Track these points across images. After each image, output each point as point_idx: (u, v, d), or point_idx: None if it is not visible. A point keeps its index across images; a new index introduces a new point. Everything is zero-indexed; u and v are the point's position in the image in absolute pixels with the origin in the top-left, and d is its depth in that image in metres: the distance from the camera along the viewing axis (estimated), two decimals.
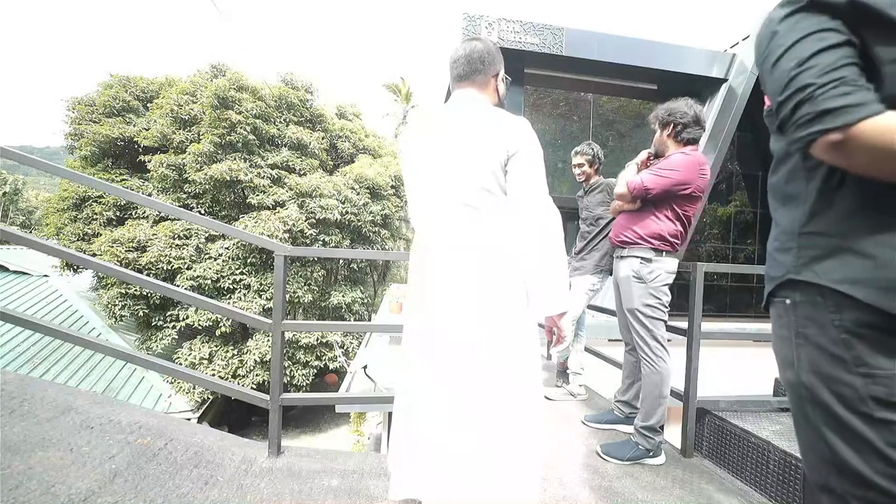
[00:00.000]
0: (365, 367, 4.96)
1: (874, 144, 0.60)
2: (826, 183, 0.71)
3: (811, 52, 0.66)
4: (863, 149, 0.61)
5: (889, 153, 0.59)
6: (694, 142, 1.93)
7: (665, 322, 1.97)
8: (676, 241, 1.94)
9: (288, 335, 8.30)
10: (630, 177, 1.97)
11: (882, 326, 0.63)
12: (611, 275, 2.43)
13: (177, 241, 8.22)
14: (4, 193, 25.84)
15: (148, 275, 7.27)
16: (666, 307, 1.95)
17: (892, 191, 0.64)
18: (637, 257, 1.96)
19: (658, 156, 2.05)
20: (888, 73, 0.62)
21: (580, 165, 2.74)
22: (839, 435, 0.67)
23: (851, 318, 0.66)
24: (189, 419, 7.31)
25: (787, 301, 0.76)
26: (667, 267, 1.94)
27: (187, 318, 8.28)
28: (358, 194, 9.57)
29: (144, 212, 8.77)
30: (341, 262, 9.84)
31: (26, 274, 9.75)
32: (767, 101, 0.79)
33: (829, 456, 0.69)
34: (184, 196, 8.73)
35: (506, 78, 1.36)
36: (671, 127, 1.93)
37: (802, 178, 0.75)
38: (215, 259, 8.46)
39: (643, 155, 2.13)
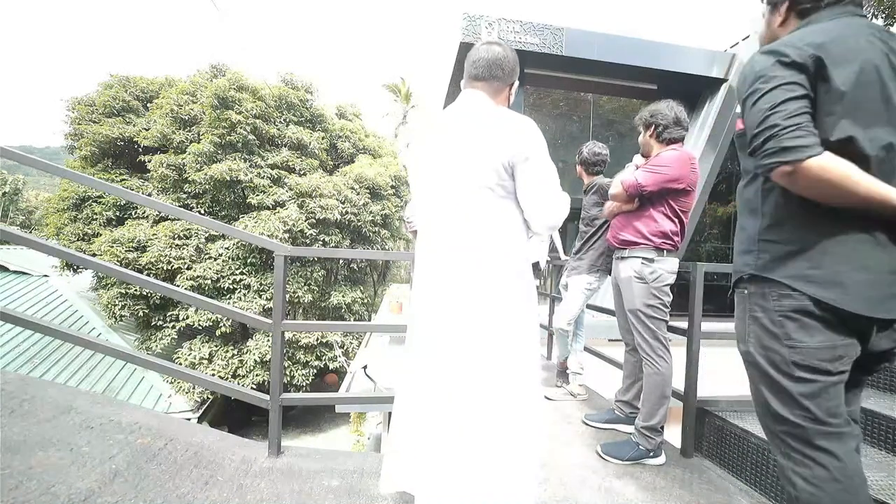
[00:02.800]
0: (365, 367, 4.95)
1: (813, 176, 0.85)
2: (780, 202, 0.96)
3: (781, 99, 0.88)
4: (805, 179, 0.86)
5: (823, 183, 0.85)
6: (676, 141, 1.98)
7: (667, 322, 1.97)
8: (677, 238, 1.96)
9: (288, 335, 8.30)
10: (624, 176, 1.98)
11: (807, 312, 0.91)
12: (609, 274, 2.43)
13: (177, 241, 8.21)
14: (4, 193, 25.82)
15: (148, 275, 7.27)
16: (667, 307, 1.95)
17: (831, 212, 0.89)
18: (639, 257, 1.95)
19: (644, 156, 2.09)
20: (824, 122, 0.87)
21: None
22: (769, 389, 0.98)
23: (788, 306, 0.94)
24: (189, 419, 7.32)
25: (745, 291, 1.03)
26: (668, 267, 1.94)
27: (187, 318, 8.28)
28: (358, 194, 9.57)
29: (144, 212, 8.77)
30: (341, 262, 9.85)
31: (26, 274, 9.75)
32: (740, 125, 1.00)
33: (764, 404, 0.99)
34: (184, 196, 8.73)
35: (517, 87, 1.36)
36: (653, 128, 1.99)
37: (761, 196, 1.00)
38: (215, 259, 8.46)
39: (639, 160, 2.13)
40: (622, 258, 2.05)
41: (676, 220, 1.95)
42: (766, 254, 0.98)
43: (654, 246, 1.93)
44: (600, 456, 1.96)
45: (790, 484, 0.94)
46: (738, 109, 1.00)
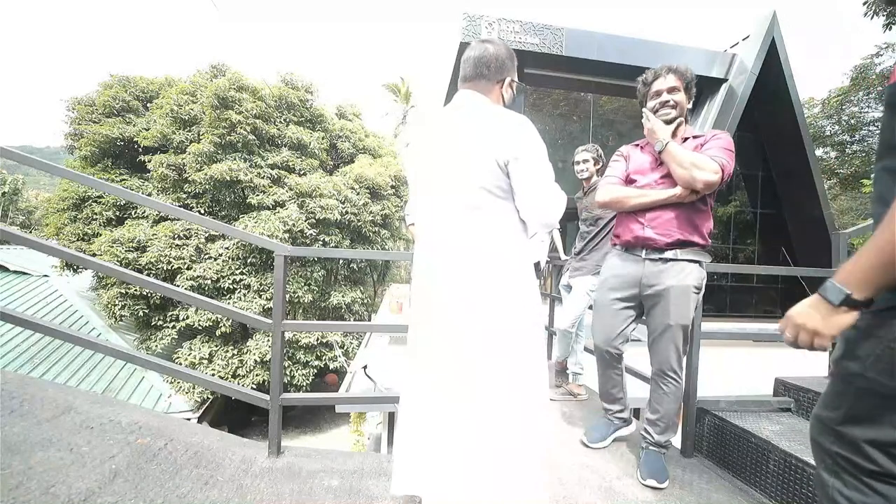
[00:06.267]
0: (365, 367, 4.96)
1: None
2: None
3: None
4: None
5: None
6: None
7: None
8: None
9: (288, 335, 8.30)
10: (709, 160, 1.55)
11: None
12: None
13: (177, 241, 8.21)
14: (4, 193, 25.81)
15: (148, 275, 7.27)
16: None
17: None
18: (696, 262, 1.67)
19: (667, 122, 1.69)
20: None
21: (585, 161, 2.74)
22: (860, 411, 0.76)
23: None
24: (189, 419, 7.31)
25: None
26: None
27: (187, 318, 8.27)
28: (358, 194, 9.57)
29: (144, 212, 8.76)
30: (341, 262, 9.84)
31: (26, 274, 9.75)
32: None
33: (833, 418, 0.80)
34: (184, 196, 8.72)
35: (514, 83, 1.32)
36: (691, 95, 1.69)
37: None
38: (215, 259, 8.46)
39: (661, 125, 1.67)
40: (664, 260, 1.67)
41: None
42: None
43: (707, 246, 1.67)
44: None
45: (830, 502, 0.79)
46: None
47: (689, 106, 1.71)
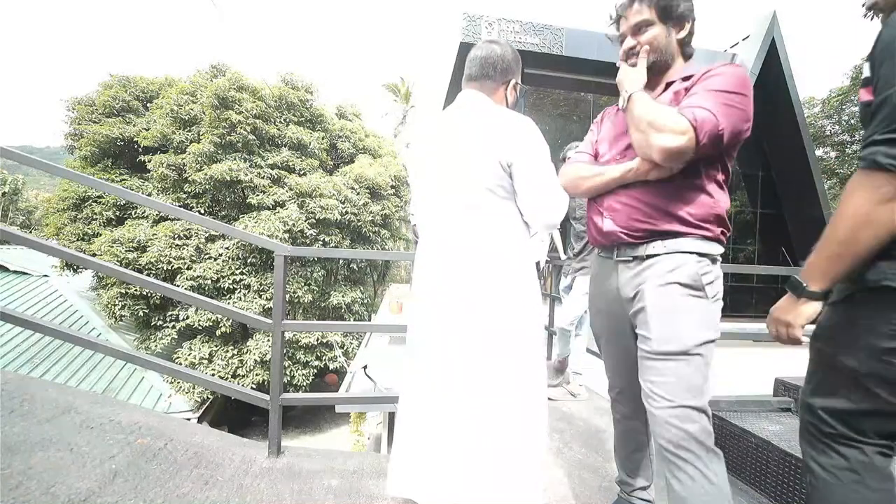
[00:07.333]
0: (365, 367, 4.96)
1: None
2: None
3: None
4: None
5: None
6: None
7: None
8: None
9: (288, 335, 8.30)
10: (674, 115, 1.01)
11: None
12: None
13: (177, 241, 8.21)
14: (4, 193, 25.82)
15: (148, 275, 7.27)
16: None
17: None
18: (690, 253, 1.09)
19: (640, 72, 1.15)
20: None
21: None
22: (832, 381, 0.84)
23: None
24: (189, 419, 7.31)
25: (868, 301, 0.79)
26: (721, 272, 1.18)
27: (187, 318, 8.28)
28: (358, 194, 9.57)
29: (144, 212, 8.77)
30: (341, 262, 9.84)
31: (26, 274, 9.75)
32: (865, 95, 0.79)
33: (816, 393, 0.88)
34: (184, 196, 8.72)
35: (517, 85, 1.33)
36: (688, 25, 1.14)
37: None
38: (215, 259, 8.46)
39: (632, 69, 1.15)
40: (638, 259, 1.14)
41: (727, 191, 1.15)
42: None
43: (713, 236, 1.11)
44: None
45: (809, 472, 0.87)
46: (866, 70, 0.79)
47: (682, 36, 1.16)
